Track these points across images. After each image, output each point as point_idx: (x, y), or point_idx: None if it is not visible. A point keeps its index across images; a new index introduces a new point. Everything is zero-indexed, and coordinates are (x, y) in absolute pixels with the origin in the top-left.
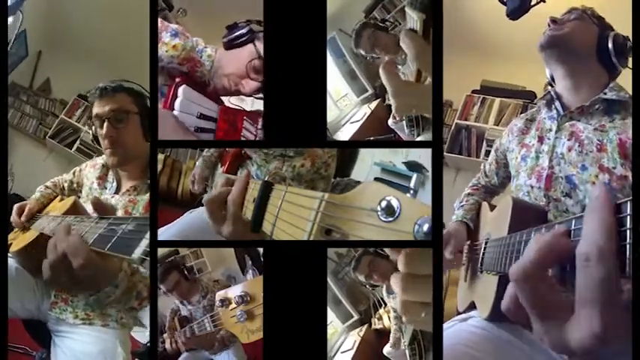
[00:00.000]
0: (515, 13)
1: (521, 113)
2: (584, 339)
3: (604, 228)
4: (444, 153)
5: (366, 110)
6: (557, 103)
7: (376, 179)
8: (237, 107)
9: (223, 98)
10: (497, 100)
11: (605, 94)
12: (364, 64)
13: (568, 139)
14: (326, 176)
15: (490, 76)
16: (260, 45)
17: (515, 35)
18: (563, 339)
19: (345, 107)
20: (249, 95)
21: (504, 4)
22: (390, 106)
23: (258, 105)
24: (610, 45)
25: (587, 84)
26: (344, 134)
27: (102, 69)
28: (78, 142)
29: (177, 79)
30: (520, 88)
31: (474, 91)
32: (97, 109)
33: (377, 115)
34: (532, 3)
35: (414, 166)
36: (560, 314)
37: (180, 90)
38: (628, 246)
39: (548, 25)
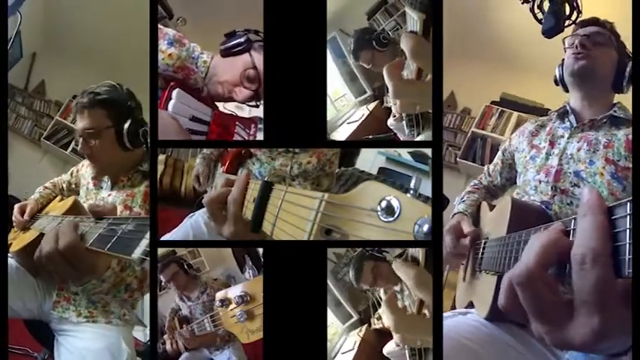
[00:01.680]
0: (550, 32)
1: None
2: (586, 336)
3: (597, 230)
4: (457, 159)
5: (364, 111)
6: (571, 117)
7: (381, 169)
8: (230, 113)
9: (218, 104)
10: (515, 114)
11: (615, 112)
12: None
13: (578, 142)
14: (330, 173)
15: (510, 88)
16: (256, 55)
17: (537, 51)
18: (564, 338)
19: (342, 107)
20: (242, 103)
21: (540, 22)
22: (388, 107)
23: (254, 112)
24: (627, 73)
25: (598, 103)
26: (340, 134)
27: (97, 70)
28: (73, 143)
29: (172, 83)
30: (538, 105)
31: (493, 102)
32: (76, 124)
33: (375, 116)
34: (566, 24)
35: (419, 157)
36: (560, 314)
37: (174, 93)
38: (627, 246)
39: (575, 46)
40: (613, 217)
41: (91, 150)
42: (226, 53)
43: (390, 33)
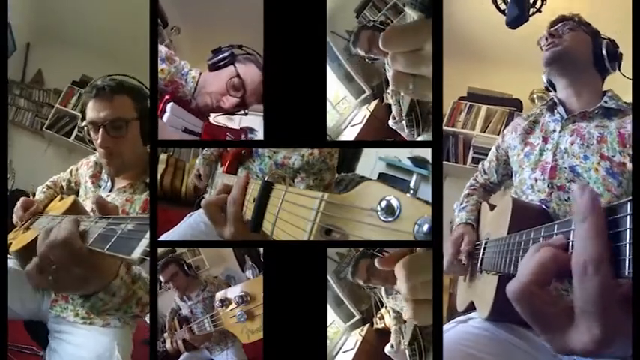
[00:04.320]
0: (514, 23)
1: (507, 121)
2: (588, 344)
3: (596, 236)
4: None
5: (366, 112)
6: (559, 108)
7: (381, 175)
8: (220, 125)
9: (209, 117)
10: (484, 107)
11: (606, 102)
12: (360, 65)
13: (570, 136)
14: (331, 166)
15: (476, 83)
16: (240, 66)
17: (503, 43)
18: (567, 344)
19: (344, 110)
20: (232, 112)
21: (503, 13)
22: (388, 105)
23: (243, 123)
24: (604, 52)
25: (586, 89)
26: (345, 138)
27: (93, 55)
28: (76, 130)
29: (167, 97)
30: (506, 95)
31: (460, 98)
32: (91, 114)
33: (376, 115)
34: (530, 13)
35: (419, 162)
36: (561, 323)
37: (169, 106)
38: (627, 246)
39: (546, 39)
40: (611, 218)
41: (114, 142)
42: (213, 67)
43: (391, 20)
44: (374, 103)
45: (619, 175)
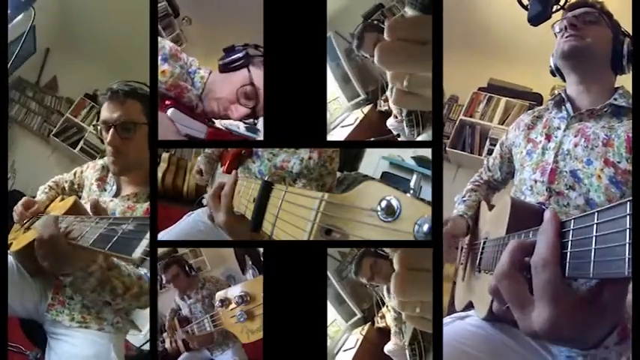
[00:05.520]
0: (536, 19)
1: None
2: (541, 324)
3: (548, 244)
4: (447, 148)
5: (359, 114)
6: (567, 105)
7: (384, 173)
8: (224, 130)
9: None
10: (504, 99)
11: (616, 99)
12: (358, 69)
13: (575, 136)
14: (332, 171)
15: (498, 74)
16: (254, 70)
17: (525, 37)
18: (529, 325)
19: (334, 110)
20: (239, 120)
21: (526, 9)
22: (381, 111)
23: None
24: (625, 51)
25: (597, 86)
26: (334, 138)
27: (110, 70)
28: (82, 141)
29: (167, 102)
30: (527, 89)
31: (480, 89)
32: (105, 113)
33: (370, 119)
34: (553, 10)
35: (423, 161)
36: (526, 306)
37: (169, 113)
38: (627, 246)
39: (565, 27)
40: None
41: (122, 142)
42: (225, 69)
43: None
44: (368, 107)
45: (622, 185)
